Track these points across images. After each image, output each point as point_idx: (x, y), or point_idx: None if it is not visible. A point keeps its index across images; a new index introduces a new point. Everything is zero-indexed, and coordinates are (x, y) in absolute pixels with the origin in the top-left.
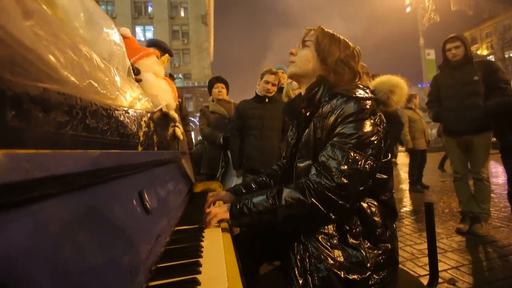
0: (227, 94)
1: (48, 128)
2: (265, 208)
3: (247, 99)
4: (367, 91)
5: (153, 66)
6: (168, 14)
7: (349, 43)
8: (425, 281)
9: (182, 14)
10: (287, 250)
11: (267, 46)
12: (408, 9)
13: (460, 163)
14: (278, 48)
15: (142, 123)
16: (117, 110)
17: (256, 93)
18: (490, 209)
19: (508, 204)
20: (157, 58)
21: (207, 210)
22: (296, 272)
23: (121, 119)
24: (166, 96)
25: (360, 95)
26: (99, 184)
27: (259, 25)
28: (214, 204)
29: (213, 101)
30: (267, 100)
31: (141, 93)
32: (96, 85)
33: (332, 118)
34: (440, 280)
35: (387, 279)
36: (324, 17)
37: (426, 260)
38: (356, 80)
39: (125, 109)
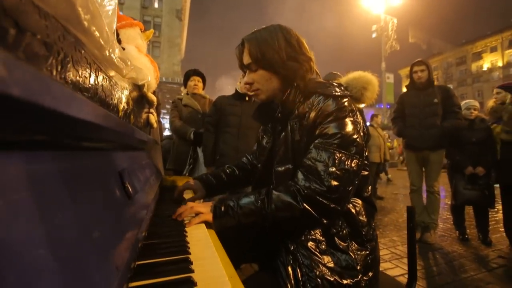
0: (203, 89)
1: (20, 54)
2: (252, 211)
3: (225, 95)
4: (342, 88)
5: (136, 39)
6: (141, 3)
7: (277, 35)
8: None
9: (156, 5)
10: (275, 260)
11: None
12: (374, 35)
13: (417, 176)
14: None
15: (124, 96)
16: (101, 68)
17: (236, 89)
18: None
19: (450, 216)
20: (141, 31)
21: (189, 205)
22: (288, 285)
23: (105, 82)
24: (148, 75)
25: (337, 93)
26: (76, 147)
27: (235, 28)
28: (182, 194)
29: (187, 94)
30: (247, 98)
31: (128, 59)
32: (84, 22)
33: (311, 118)
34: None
35: (373, 280)
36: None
37: (385, 265)
38: (312, 63)
39: (111, 74)
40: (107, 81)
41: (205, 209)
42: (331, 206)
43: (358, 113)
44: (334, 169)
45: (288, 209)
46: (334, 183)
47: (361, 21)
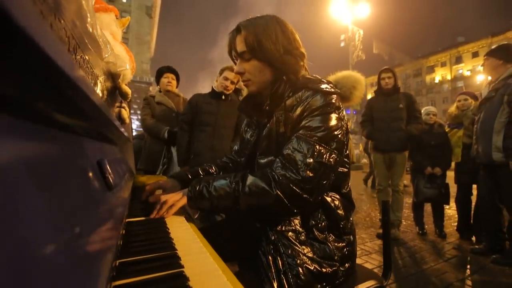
0: (176, 87)
1: None
2: (226, 193)
3: (201, 93)
4: (331, 85)
5: (111, 25)
6: None
7: (274, 26)
8: None
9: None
10: (255, 251)
11: (212, 52)
12: (342, 44)
13: (384, 177)
14: (226, 55)
15: (98, 84)
16: (79, 46)
17: (212, 88)
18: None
19: (410, 213)
20: (116, 18)
21: (163, 199)
22: (269, 274)
23: (82, 65)
24: (126, 63)
25: (326, 89)
26: (52, 121)
27: (208, 27)
28: (152, 194)
29: (160, 91)
30: (223, 97)
31: (108, 41)
32: None
33: (298, 111)
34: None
35: (350, 271)
36: None
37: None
38: (304, 59)
39: (87, 57)
40: (84, 64)
41: (178, 196)
42: (304, 196)
43: (343, 111)
44: (311, 160)
45: (261, 194)
46: (310, 174)
47: (330, 30)
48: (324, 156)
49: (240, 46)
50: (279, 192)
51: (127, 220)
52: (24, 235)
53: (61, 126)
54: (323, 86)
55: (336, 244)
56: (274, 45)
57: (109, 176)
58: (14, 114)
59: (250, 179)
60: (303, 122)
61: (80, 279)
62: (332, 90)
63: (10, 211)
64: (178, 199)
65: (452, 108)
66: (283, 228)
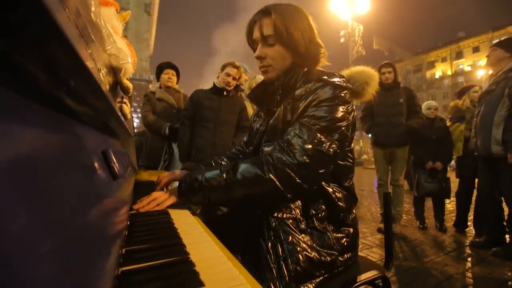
0: (177, 83)
1: None
2: (218, 183)
3: (203, 89)
4: (343, 80)
5: (111, 20)
6: None
7: (301, 15)
8: None
9: None
10: (255, 239)
11: (212, 51)
12: (342, 40)
13: (384, 172)
14: (225, 53)
15: (101, 75)
16: (82, 35)
17: (214, 84)
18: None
19: (411, 208)
20: (117, 12)
21: (153, 196)
22: (269, 260)
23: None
24: (128, 57)
25: (337, 83)
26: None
27: (207, 27)
28: (167, 187)
29: (160, 87)
30: (225, 93)
31: (112, 34)
32: None
33: (306, 101)
34: None
35: (350, 262)
36: None
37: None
38: (321, 50)
39: (89, 49)
40: (90, 51)
41: (167, 194)
42: (297, 181)
43: (353, 105)
44: (310, 146)
45: (254, 180)
46: (306, 160)
47: (330, 26)
48: (324, 145)
49: (267, 30)
50: (272, 176)
51: (130, 212)
52: (45, 220)
53: (72, 114)
54: (335, 79)
55: (335, 234)
56: (301, 34)
57: (114, 166)
58: (36, 102)
59: (242, 166)
60: (309, 111)
61: (92, 264)
62: (343, 84)
63: (26, 197)
64: (165, 198)
65: (466, 102)
66: (284, 216)
